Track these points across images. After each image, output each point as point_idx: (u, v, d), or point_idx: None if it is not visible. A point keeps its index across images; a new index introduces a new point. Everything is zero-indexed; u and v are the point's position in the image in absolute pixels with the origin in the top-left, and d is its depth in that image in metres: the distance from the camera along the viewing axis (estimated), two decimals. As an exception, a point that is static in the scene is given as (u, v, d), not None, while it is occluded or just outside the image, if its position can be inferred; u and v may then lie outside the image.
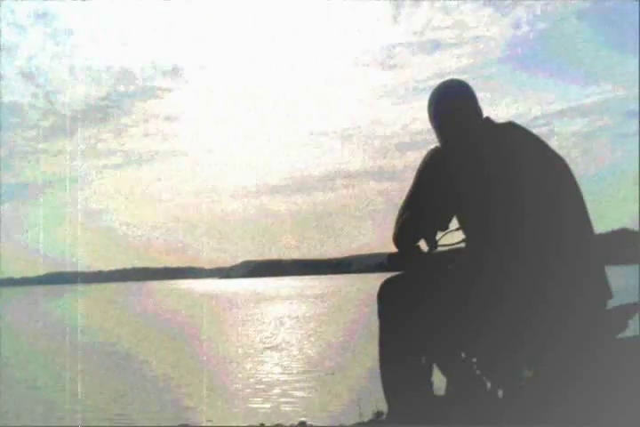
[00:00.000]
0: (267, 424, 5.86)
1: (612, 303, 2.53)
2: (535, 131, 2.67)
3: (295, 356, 13.52)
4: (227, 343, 16.47)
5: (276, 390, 9.45)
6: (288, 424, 5.85)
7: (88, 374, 11.51)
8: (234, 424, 7.23)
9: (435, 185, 2.61)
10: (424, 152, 2.71)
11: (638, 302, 2.55)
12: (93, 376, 11.36)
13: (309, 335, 17.77)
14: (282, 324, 22.39)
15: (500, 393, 2.55)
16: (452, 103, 2.68)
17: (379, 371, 2.60)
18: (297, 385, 9.86)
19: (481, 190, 2.53)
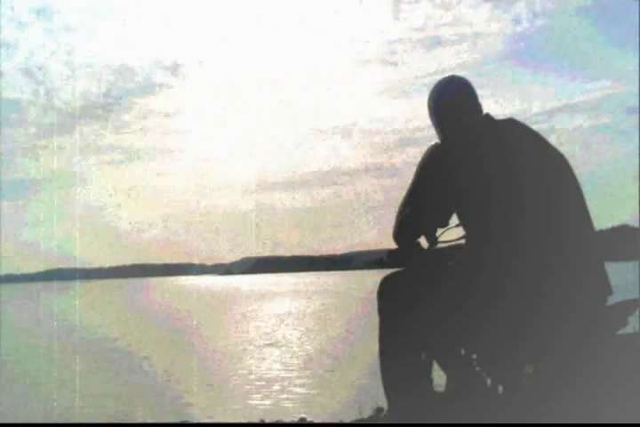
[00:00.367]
0: (267, 421, 5.86)
1: (612, 300, 2.53)
2: (535, 127, 2.67)
3: (295, 352, 13.53)
4: (227, 340, 16.49)
5: (276, 387, 9.46)
6: (288, 420, 5.85)
7: (88, 371, 11.53)
8: (234, 421, 7.24)
9: (435, 181, 2.61)
10: (424, 148, 2.70)
11: (638, 298, 2.55)
12: (93, 373, 11.38)
13: (309, 332, 17.79)
14: (282, 320, 22.41)
15: (501, 390, 2.55)
16: (451, 100, 2.67)
17: (379, 367, 2.61)
18: (297, 382, 9.87)
19: (481, 187, 2.52)
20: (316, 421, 6.10)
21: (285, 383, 9.73)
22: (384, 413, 4.79)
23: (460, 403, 2.54)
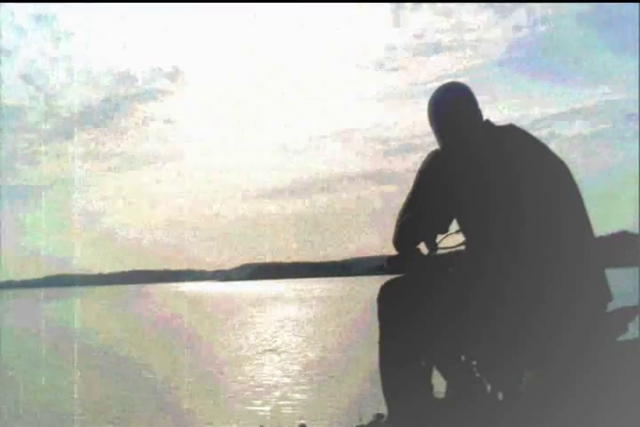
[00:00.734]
0: (266, 427, 5.84)
1: (611, 306, 2.53)
2: (535, 133, 2.67)
3: (295, 358, 13.50)
4: (226, 346, 16.45)
5: (276, 393, 9.43)
6: (288, 427, 5.84)
7: (87, 377, 11.50)
8: (233, 427, 7.22)
9: (435, 188, 2.61)
10: (424, 155, 2.71)
11: (638, 304, 2.55)
12: (93, 379, 11.34)
13: (309, 338, 17.75)
14: (282, 326, 22.36)
15: (501, 396, 2.54)
16: (452, 106, 2.68)
17: (379, 374, 2.60)
18: (297, 388, 9.84)
19: (481, 193, 2.52)
20: (316, 427, 6.07)
21: (285, 390, 9.70)
22: (384, 419, 4.79)
23: (460, 409, 2.54)
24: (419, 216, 2.62)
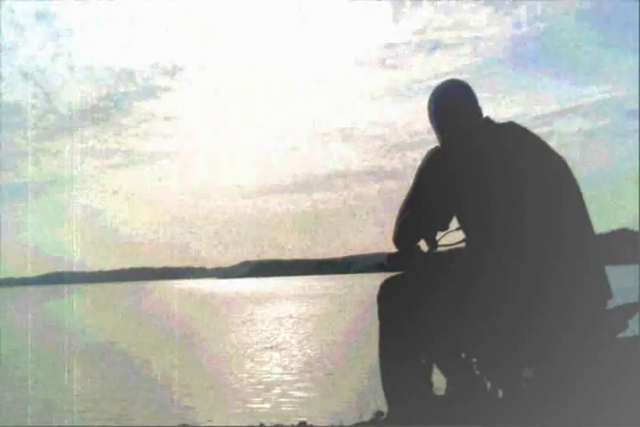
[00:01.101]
0: (266, 424, 5.85)
1: (612, 303, 2.53)
2: (535, 131, 2.67)
3: (295, 356, 13.51)
4: (226, 343, 16.47)
5: (276, 390, 9.44)
6: (288, 424, 5.84)
7: (87, 375, 11.51)
8: (233, 424, 7.23)
9: (435, 185, 2.60)
10: (424, 152, 2.71)
11: (638, 302, 2.55)
12: (93, 376, 11.35)
13: (309, 335, 17.76)
14: (282, 324, 22.37)
15: (501, 393, 2.55)
16: (451, 103, 2.68)
17: (379, 371, 2.60)
18: (297, 385, 9.85)
19: (481, 190, 2.52)
20: (317, 424, 6.08)
21: (285, 387, 9.71)
22: (384, 416, 4.79)
23: (459, 406, 2.54)
24: (419, 213, 2.62)
